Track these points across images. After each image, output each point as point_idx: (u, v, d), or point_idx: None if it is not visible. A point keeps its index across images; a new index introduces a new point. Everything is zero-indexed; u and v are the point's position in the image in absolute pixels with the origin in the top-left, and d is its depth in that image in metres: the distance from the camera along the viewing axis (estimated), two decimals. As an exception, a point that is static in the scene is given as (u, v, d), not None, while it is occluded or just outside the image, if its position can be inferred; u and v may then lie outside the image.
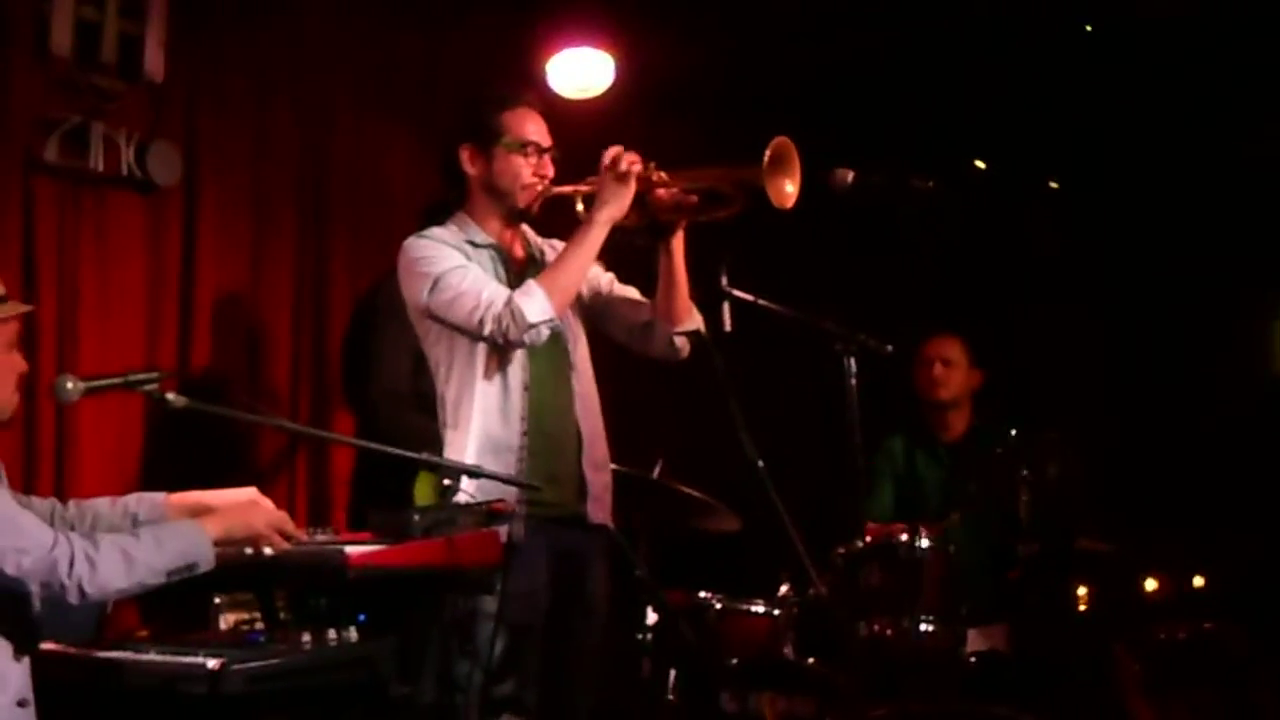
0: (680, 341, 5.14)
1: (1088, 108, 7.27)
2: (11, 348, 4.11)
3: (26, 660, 3.99)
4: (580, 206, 4.98)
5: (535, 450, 4.93)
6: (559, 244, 5.16)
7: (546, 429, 4.99)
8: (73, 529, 4.14)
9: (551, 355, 5.04)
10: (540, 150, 5.07)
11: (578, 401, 5.09)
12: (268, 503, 4.43)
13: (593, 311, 5.21)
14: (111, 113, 6.04)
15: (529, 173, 5.04)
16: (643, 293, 5.20)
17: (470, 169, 5.07)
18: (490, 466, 4.70)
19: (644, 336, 5.16)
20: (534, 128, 5.08)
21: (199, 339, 6.41)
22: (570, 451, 5.04)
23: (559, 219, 5.15)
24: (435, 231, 5.02)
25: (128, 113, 6.12)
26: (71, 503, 4.44)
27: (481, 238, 5.05)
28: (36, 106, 5.87)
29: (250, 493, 4.48)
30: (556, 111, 5.30)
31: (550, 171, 5.08)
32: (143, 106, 6.19)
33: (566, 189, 5.04)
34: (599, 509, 5.10)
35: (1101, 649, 5.88)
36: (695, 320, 5.14)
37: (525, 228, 5.20)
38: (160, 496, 4.46)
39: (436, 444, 4.94)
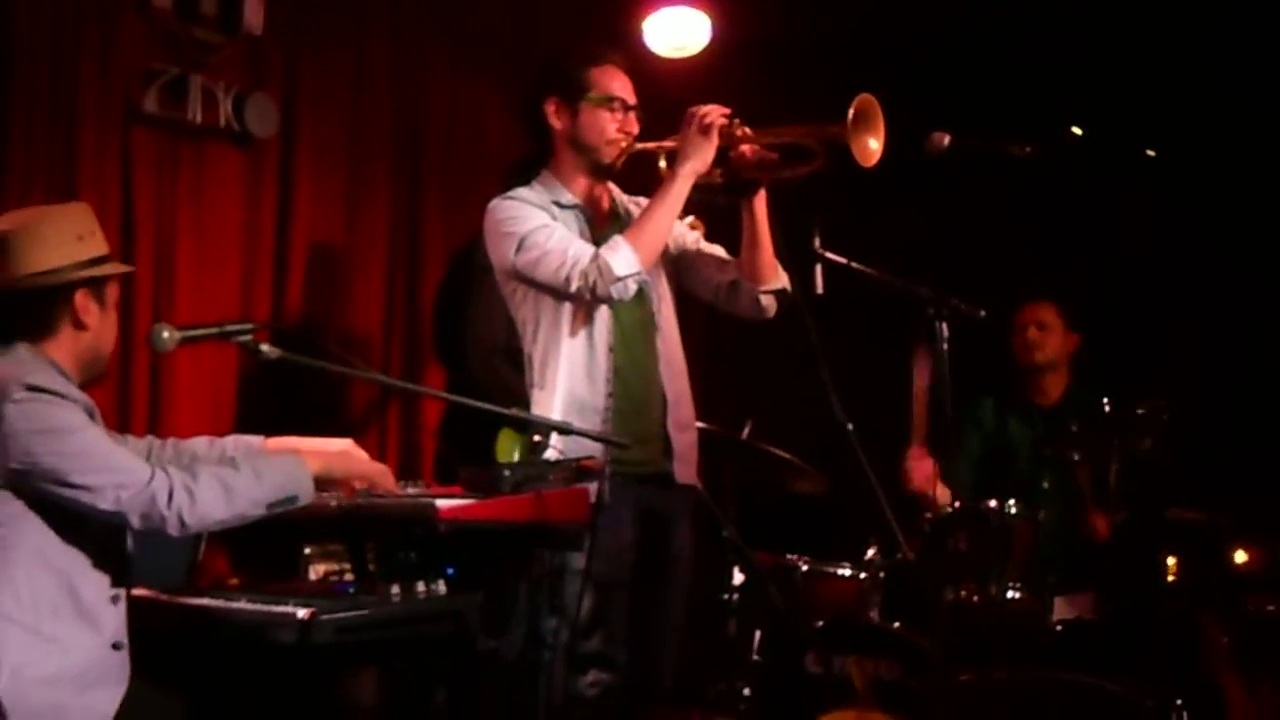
0: (767, 301, 5.12)
1: (1188, 74, 7.19)
2: (113, 308, 4.17)
3: (122, 603, 4.04)
4: (663, 163, 4.98)
5: (620, 410, 4.93)
6: (643, 201, 5.17)
7: (631, 389, 4.98)
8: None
9: (636, 316, 5.03)
10: (626, 106, 5.05)
11: (662, 362, 5.08)
12: (362, 454, 4.47)
13: (679, 270, 5.20)
14: (210, 65, 6.10)
15: (614, 128, 5.03)
16: (729, 253, 5.20)
17: (555, 122, 5.05)
18: (577, 426, 4.70)
19: (730, 296, 5.15)
20: (619, 83, 5.07)
21: (293, 290, 6.48)
22: (655, 412, 5.04)
23: (643, 177, 5.16)
24: (520, 192, 5.01)
25: (226, 65, 6.18)
26: (169, 441, 4.50)
27: (567, 198, 5.04)
28: (137, 59, 5.92)
29: (346, 443, 4.52)
30: (651, 70, 5.30)
31: (635, 128, 5.06)
32: (241, 59, 6.25)
33: (651, 145, 5.02)
34: (685, 469, 5.10)
35: (1190, 620, 5.83)
36: (781, 280, 5.11)
37: (610, 185, 5.19)
38: (257, 440, 4.51)
39: (524, 402, 4.96)
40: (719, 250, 5.21)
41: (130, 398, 5.79)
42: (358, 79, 6.75)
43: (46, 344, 4.05)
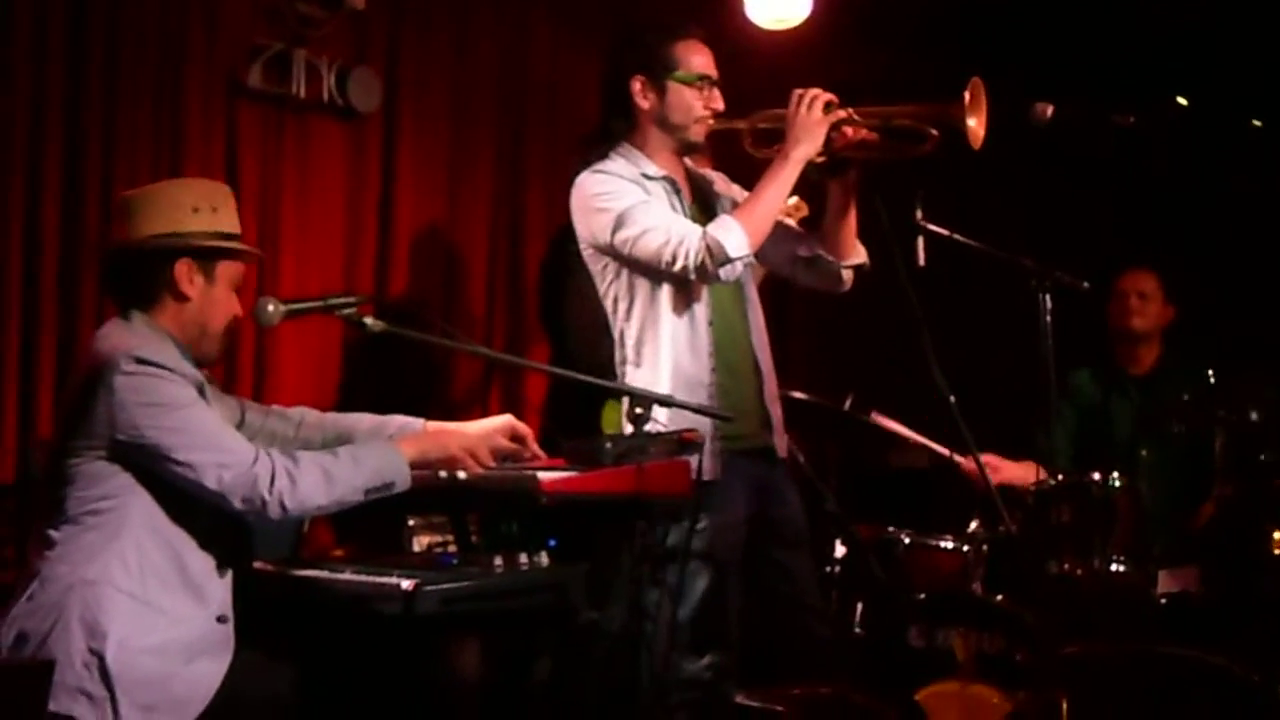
0: (846, 275, 5.11)
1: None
2: (234, 288, 4.21)
3: (229, 577, 4.09)
4: (748, 141, 4.97)
5: (723, 385, 4.94)
6: (714, 174, 5.18)
7: (731, 363, 4.99)
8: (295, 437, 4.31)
9: (731, 289, 5.03)
10: (711, 83, 5.03)
11: (754, 334, 5.09)
12: (523, 428, 4.53)
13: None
14: (314, 39, 6.13)
15: (701, 106, 5.00)
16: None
17: (643, 101, 5.02)
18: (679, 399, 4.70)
19: (808, 268, 5.13)
20: (703, 59, 5.04)
21: (396, 264, 6.50)
22: (752, 384, 5.05)
23: (717, 149, 5.18)
24: (609, 165, 4.98)
25: (330, 39, 6.21)
26: (307, 411, 4.58)
27: (654, 170, 5.01)
28: (242, 33, 5.97)
29: (506, 419, 4.57)
30: (751, 42, 5.28)
31: (720, 104, 5.04)
32: (344, 33, 6.28)
33: (741, 123, 4.99)
34: (782, 441, 5.12)
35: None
36: (861, 254, 5.11)
37: (687, 159, 5.18)
38: (418, 422, 4.55)
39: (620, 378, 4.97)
40: (794, 222, 5.21)
41: (236, 372, 5.84)
42: (459, 52, 6.76)
43: (155, 314, 4.10)
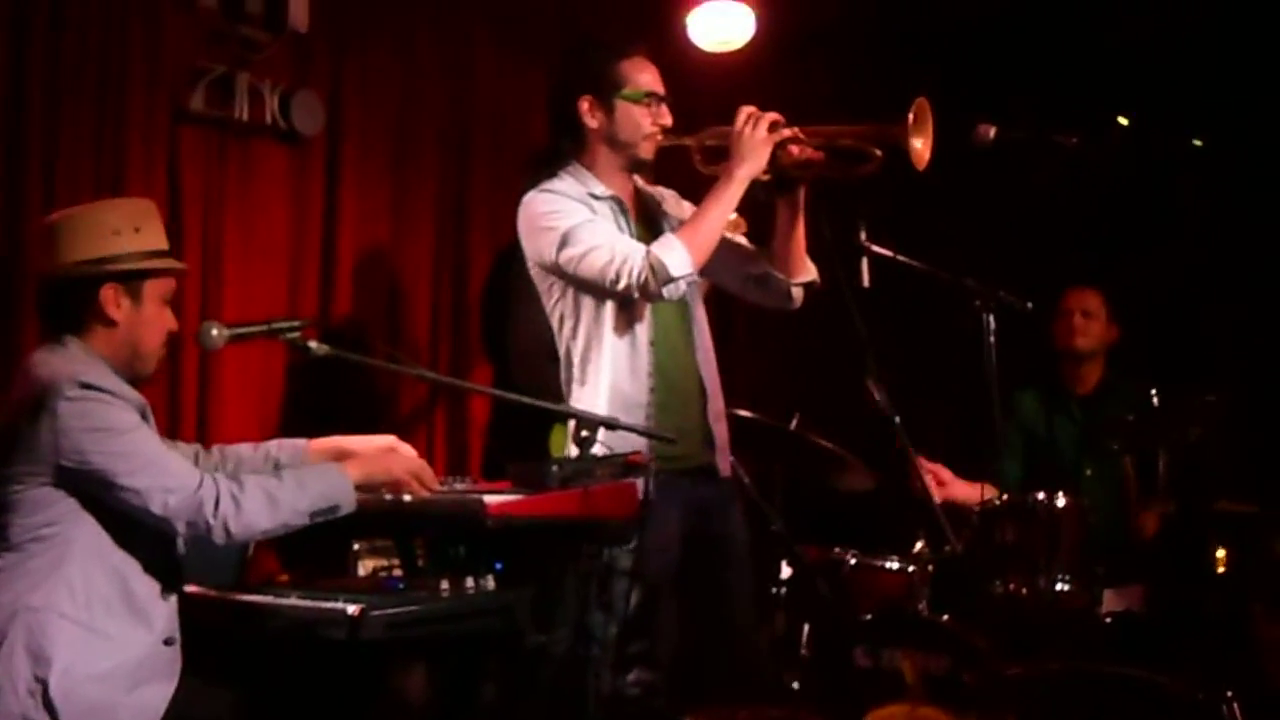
0: (796, 292, 5.12)
1: (1234, 63, 7.15)
2: (165, 304, 4.18)
3: (173, 599, 4.08)
4: (697, 157, 4.98)
5: (663, 404, 4.93)
6: (667, 191, 5.18)
7: (672, 383, 4.98)
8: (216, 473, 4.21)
9: (675, 308, 5.02)
10: (658, 99, 5.04)
11: (699, 353, 5.08)
12: (407, 449, 4.49)
13: (708, 261, 5.17)
14: (257, 63, 6.11)
15: (649, 122, 5.01)
16: (754, 243, 5.21)
17: (590, 121, 5.01)
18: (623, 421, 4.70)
19: (759, 287, 5.14)
20: (650, 76, 5.04)
21: (340, 287, 6.48)
22: (694, 404, 5.04)
23: (663, 165, 5.16)
24: (556, 185, 4.98)
25: (273, 63, 6.18)
26: (215, 448, 4.53)
27: (601, 189, 5.01)
28: (184, 57, 5.93)
29: (389, 440, 4.54)
30: (694, 65, 5.30)
31: (669, 120, 5.04)
32: (287, 57, 6.25)
33: (688, 140, 5.00)
34: (725, 460, 5.11)
35: (1239, 611, 5.81)
36: (811, 272, 5.11)
37: (637, 176, 5.18)
38: (302, 442, 4.54)
39: (565, 399, 4.97)
40: (744, 241, 5.21)
41: (179, 395, 5.80)
42: (403, 75, 6.75)
43: (86, 338, 4.08)
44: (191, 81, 5.93)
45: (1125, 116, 5.54)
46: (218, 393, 5.97)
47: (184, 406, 5.82)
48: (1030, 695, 4.99)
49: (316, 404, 6.17)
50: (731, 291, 5.25)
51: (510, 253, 6.36)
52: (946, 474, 5.94)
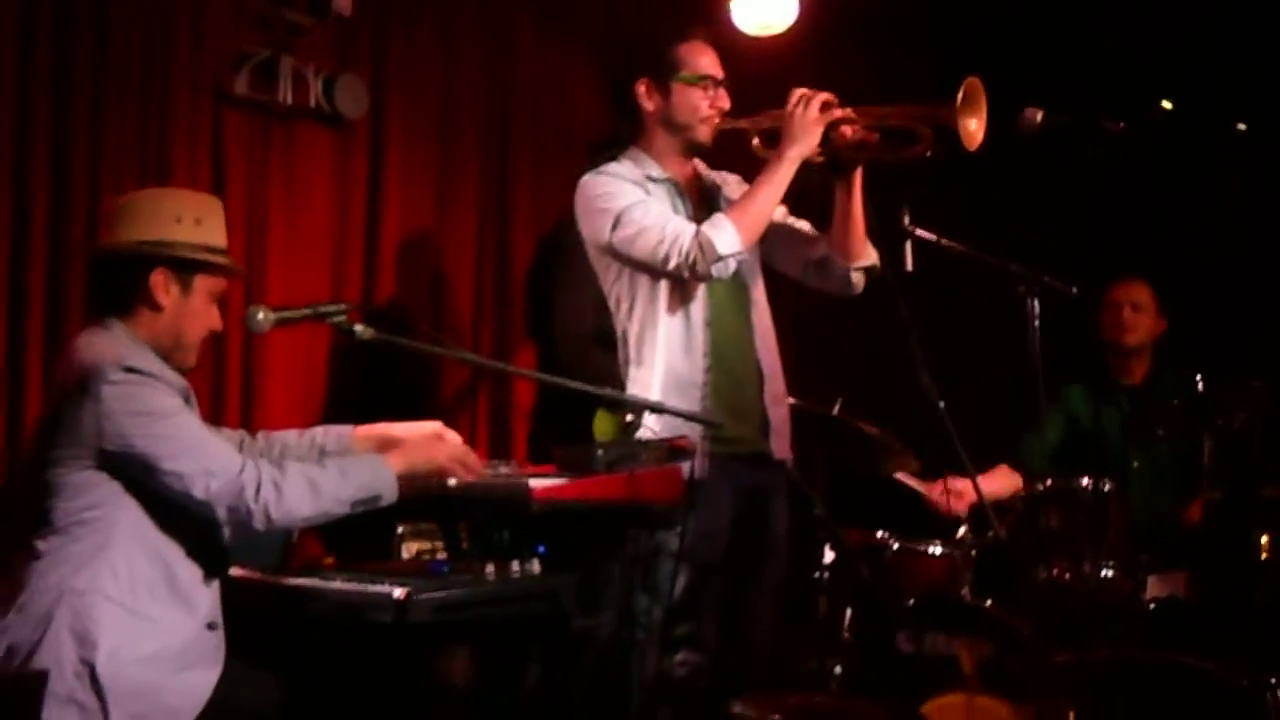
0: (856, 277, 5.11)
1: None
2: (213, 301, 4.19)
3: (216, 584, 4.08)
4: (755, 140, 4.98)
5: (718, 386, 4.93)
6: (729, 176, 5.17)
7: (729, 364, 4.98)
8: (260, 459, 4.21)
9: (731, 290, 5.03)
10: (716, 83, 5.05)
11: (757, 336, 5.08)
12: (453, 435, 4.50)
13: (768, 245, 5.17)
14: (300, 47, 6.11)
15: (707, 105, 5.02)
16: (815, 227, 5.18)
17: (647, 104, 5.05)
18: (675, 403, 4.69)
19: (819, 271, 5.14)
20: (708, 60, 5.06)
21: (383, 270, 6.48)
22: (751, 386, 5.04)
23: (728, 150, 5.16)
24: (612, 167, 5.02)
25: (316, 47, 6.18)
26: (260, 434, 4.55)
27: (658, 172, 5.04)
28: (228, 40, 5.94)
29: (435, 426, 4.55)
30: (738, 48, 5.28)
31: (726, 104, 5.06)
32: (331, 41, 6.26)
33: (745, 122, 5.02)
34: (780, 444, 5.11)
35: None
36: (871, 256, 5.11)
37: (697, 160, 5.19)
38: (347, 429, 4.55)
39: (617, 381, 4.96)
40: (806, 225, 5.20)
41: (224, 382, 5.81)
42: (446, 58, 6.75)
43: (131, 322, 4.09)
44: (236, 65, 5.94)
45: (1168, 101, 5.51)
46: (262, 377, 5.97)
47: (229, 391, 5.83)
48: (1079, 682, 4.97)
49: (360, 388, 6.18)
50: (793, 277, 5.24)
51: (556, 235, 6.40)
52: (967, 483, 5.88)
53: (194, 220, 4.16)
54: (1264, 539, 5.82)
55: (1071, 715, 4.30)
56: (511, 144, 6.99)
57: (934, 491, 6.02)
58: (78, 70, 5.49)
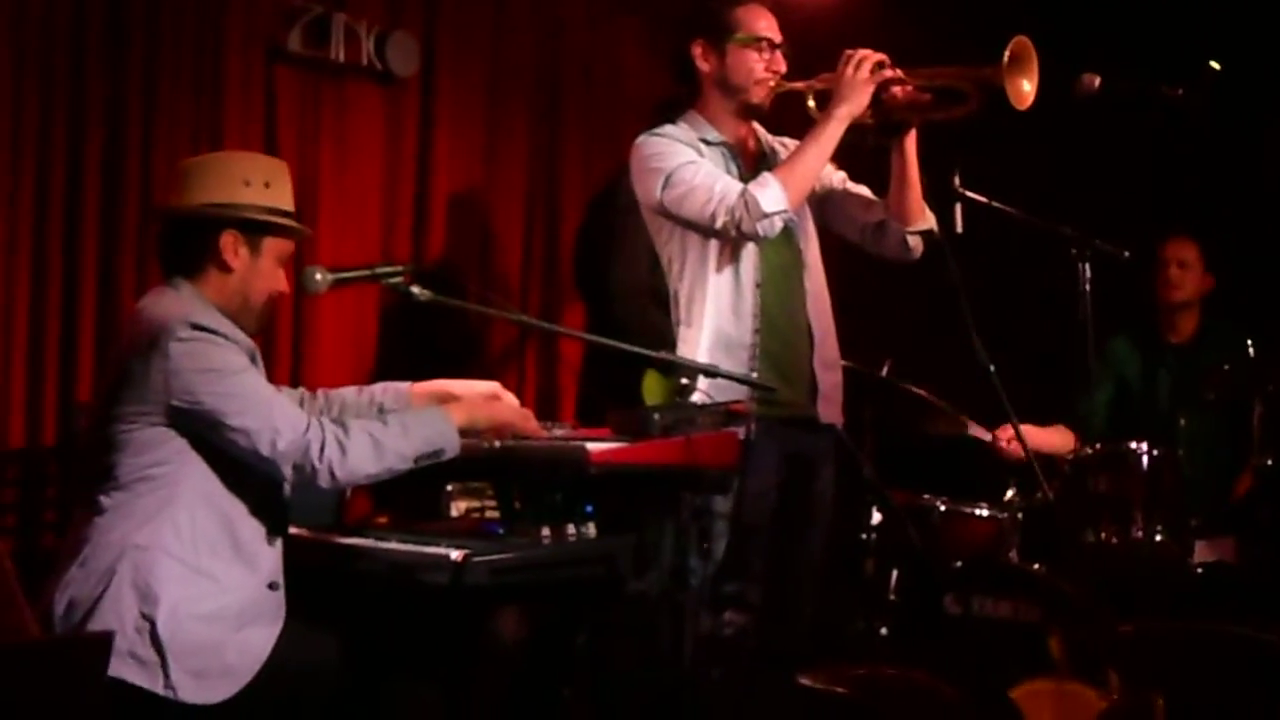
0: (914, 242, 5.08)
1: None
2: (280, 264, 4.21)
3: (279, 543, 4.10)
4: (812, 103, 4.97)
5: (767, 348, 4.93)
6: (789, 141, 5.15)
7: (779, 326, 4.98)
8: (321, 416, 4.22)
9: (783, 253, 5.03)
10: (772, 45, 5.04)
11: (810, 299, 5.07)
12: (510, 397, 4.51)
13: (825, 210, 5.18)
14: (352, 3, 6.12)
15: (762, 68, 5.01)
16: (874, 192, 5.17)
17: (703, 65, 5.05)
18: (723, 364, 4.73)
19: (877, 236, 5.13)
20: (765, 23, 5.05)
21: (433, 229, 6.49)
22: (802, 350, 5.03)
23: (788, 116, 5.14)
24: (667, 129, 5.02)
25: (368, 3, 6.20)
26: (320, 392, 4.57)
27: (714, 135, 5.04)
28: (281, -3, 5.95)
29: (493, 386, 4.57)
30: (788, 8, 5.27)
31: (783, 66, 5.05)
32: (383, -2, 6.27)
33: (799, 85, 5.01)
34: (830, 408, 5.10)
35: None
36: (929, 220, 5.08)
37: (756, 125, 5.18)
38: (405, 386, 4.57)
39: (671, 342, 4.97)
40: (865, 190, 5.18)
41: (275, 341, 5.83)
42: (497, 17, 6.74)
43: (199, 283, 4.11)
44: (288, 21, 5.95)
45: (1216, 62, 5.49)
46: (312, 337, 6.01)
47: (279, 349, 5.86)
48: (1147, 654, 4.94)
49: (410, 347, 6.22)
50: (852, 241, 5.22)
51: (608, 194, 6.39)
52: (1027, 428, 5.85)
53: (263, 183, 4.17)
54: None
55: (1160, 703, 4.27)
56: (561, 103, 6.98)
57: (1002, 437, 6.01)
58: (131, 25, 5.53)
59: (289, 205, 4.24)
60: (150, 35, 5.56)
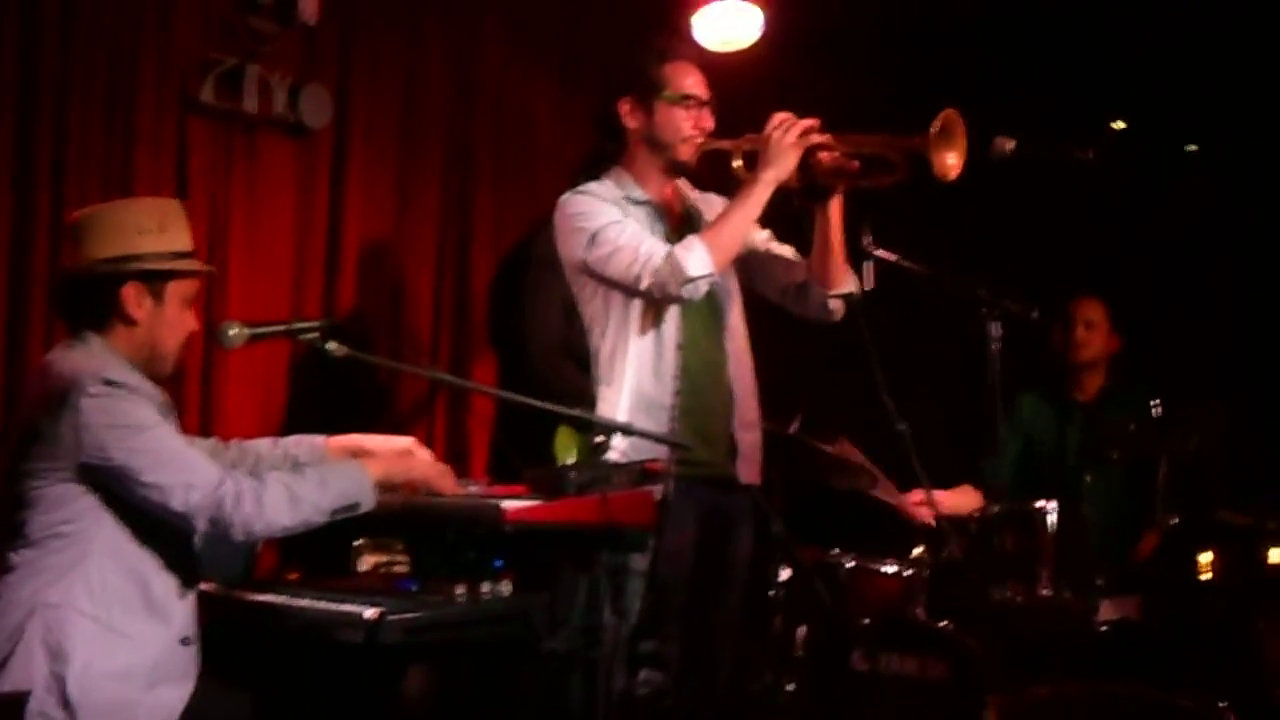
0: (835, 304, 5.12)
1: (1231, 68, 7.17)
2: (187, 305, 4.19)
3: (191, 598, 4.08)
4: (737, 162, 4.99)
5: (687, 409, 4.94)
6: (713, 197, 5.17)
7: (700, 387, 4.99)
8: (234, 469, 4.20)
9: (705, 314, 5.04)
10: (700, 103, 5.06)
11: (731, 361, 5.09)
12: (425, 452, 4.51)
13: (747, 269, 5.20)
14: (266, 55, 6.08)
15: (690, 125, 5.03)
16: (797, 250, 5.20)
17: (630, 122, 5.06)
18: (642, 424, 4.74)
19: (798, 297, 5.15)
20: (693, 80, 5.07)
21: (344, 281, 6.46)
22: (722, 411, 5.05)
23: (712, 172, 5.16)
24: (592, 187, 5.02)
25: (282, 55, 6.16)
26: (233, 443, 4.55)
27: (639, 194, 5.05)
28: (194, 48, 5.91)
29: (409, 442, 4.57)
30: (715, 66, 5.30)
31: (710, 124, 5.07)
32: (296, 49, 6.24)
33: (727, 143, 5.03)
34: (749, 468, 5.12)
35: (1236, 622, 5.82)
36: (851, 283, 5.12)
37: (681, 181, 5.20)
38: (320, 440, 4.56)
39: (586, 398, 4.97)
40: (788, 250, 5.21)
41: (183, 390, 5.76)
42: (410, 70, 6.73)
43: (107, 336, 4.08)
44: (202, 73, 5.91)
45: (1121, 121, 5.56)
46: (221, 385, 5.95)
47: (188, 401, 5.79)
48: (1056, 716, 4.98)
49: (318, 400, 6.15)
50: (773, 301, 5.26)
51: (524, 248, 6.38)
52: (936, 495, 5.89)
53: (157, 228, 4.15)
54: (1214, 561, 5.87)
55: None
56: (473, 156, 6.97)
57: (909, 501, 6.05)
58: (42, 77, 5.46)
59: (187, 245, 4.22)
60: (61, 85, 5.49)
